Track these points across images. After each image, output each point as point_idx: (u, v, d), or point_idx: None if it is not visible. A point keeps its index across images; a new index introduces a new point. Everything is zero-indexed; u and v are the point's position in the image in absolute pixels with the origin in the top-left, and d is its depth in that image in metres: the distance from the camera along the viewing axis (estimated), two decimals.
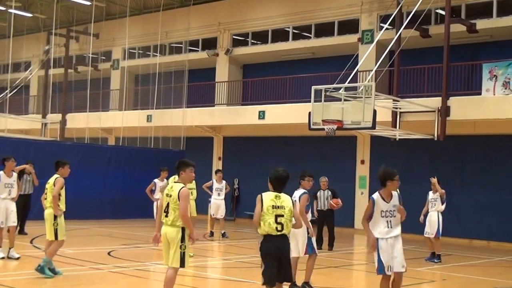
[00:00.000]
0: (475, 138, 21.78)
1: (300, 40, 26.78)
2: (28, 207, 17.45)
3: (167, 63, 29.55)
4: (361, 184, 24.24)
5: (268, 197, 7.90)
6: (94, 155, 25.03)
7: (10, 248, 12.81)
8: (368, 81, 18.88)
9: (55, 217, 11.05)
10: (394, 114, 21.03)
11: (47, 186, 11.28)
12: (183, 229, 8.37)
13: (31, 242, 15.50)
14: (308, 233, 10.49)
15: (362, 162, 24.36)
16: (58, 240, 11.09)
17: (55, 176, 11.25)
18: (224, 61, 28.78)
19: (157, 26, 29.20)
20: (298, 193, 10.74)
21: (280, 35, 27.33)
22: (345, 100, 18.02)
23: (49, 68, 32.37)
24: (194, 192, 16.46)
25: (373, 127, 17.66)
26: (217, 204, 19.31)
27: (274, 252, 7.75)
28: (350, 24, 25.03)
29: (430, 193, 15.89)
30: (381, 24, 23.16)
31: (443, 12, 21.49)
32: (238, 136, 28.03)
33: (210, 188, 19.51)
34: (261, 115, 24.99)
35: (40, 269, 10.81)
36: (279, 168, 8.10)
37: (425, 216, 15.83)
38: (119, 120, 28.72)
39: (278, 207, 7.82)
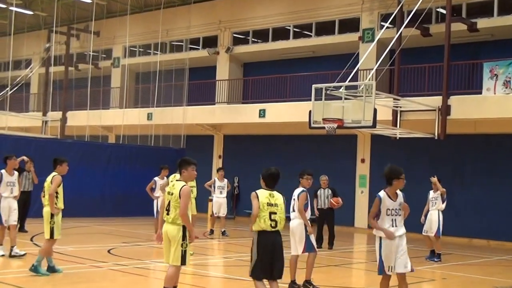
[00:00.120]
0: (475, 137, 21.78)
1: (301, 39, 26.77)
2: (28, 205, 17.46)
3: (167, 61, 29.55)
4: (361, 183, 24.24)
5: (263, 195, 8.11)
6: (94, 153, 25.04)
7: (12, 247, 12.79)
8: (369, 80, 18.87)
9: (52, 215, 10.99)
10: (394, 113, 21.03)
11: (45, 184, 11.27)
12: (184, 227, 8.39)
13: (31, 239, 15.50)
14: (306, 231, 10.49)
15: (363, 161, 24.36)
16: (53, 238, 11.02)
17: (53, 174, 11.19)
18: (225, 59, 28.77)
19: (157, 24, 29.20)
20: (297, 191, 10.76)
21: (280, 33, 27.32)
22: (345, 98, 18.02)
23: (50, 66, 32.37)
24: (195, 190, 16.44)
25: (374, 126, 17.66)
26: (219, 202, 19.30)
27: (270, 248, 8.00)
28: (350, 22, 25.02)
29: (431, 192, 15.90)
30: (382, 23, 23.16)
31: (444, 11, 21.48)
32: (238, 135, 28.03)
33: (212, 186, 19.49)
34: (262, 113, 24.99)
35: (34, 269, 10.79)
36: (271, 167, 8.33)
37: (426, 215, 15.83)
38: (120, 118, 28.72)
39: (272, 204, 8.08)
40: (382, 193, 8.42)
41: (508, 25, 21.26)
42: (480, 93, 20.11)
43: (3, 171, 13.16)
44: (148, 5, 31.86)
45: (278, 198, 8.16)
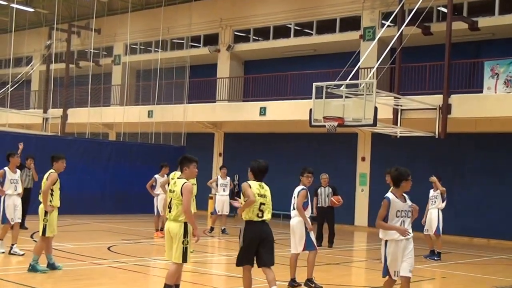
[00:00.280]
0: (476, 136, 21.78)
1: (302, 37, 26.75)
2: (28, 202, 17.45)
3: (168, 59, 29.53)
4: (362, 182, 24.25)
5: (254, 186, 8.60)
6: (95, 150, 25.05)
7: (13, 245, 12.79)
8: (370, 78, 18.88)
9: (46, 212, 10.93)
10: (395, 112, 21.02)
11: (42, 181, 11.23)
12: (185, 224, 8.42)
13: (31, 236, 15.51)
14: (306, 229, 10.48)
15: (363, 159, 24.36)
16: (45, 236, 10.96)
17: (50, 171, 11.11)
18: (226, 57, 28.76)
19: (158, 22, 29.19)
20: (297, 189, 10.75)
21: (281, 31, 27.30)
22: (346, 97, 18.00)
23: (51, 63, 32.36)
24: (195, 188, 16.41)
25: (374, 124, 17.65)
26: (223, 200, 19.27)
27: (256, 237, 8.45)
28: (352, 21, 25.01)
29: (431, 191, 15.90)
30: (383, 21, 23.16)
31: (445, 10, 21.46)
32: (239, 132, 28.04)
33: (215, 184, 19.46)
34: (262, 111, 24.99)
35: (32, 269, 10.78)
36: (260, 160, 8.86)
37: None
38: (120, 116, 28.72)
39: (262, 195, 8.56)
40: (390, 195, 8.13)
41: (509, 24, 21.23)
42: (481, 92, 20.10)
43: (6, 168, 13.14)
44: (149, 3, 31.84)
45: (267, 189, 8.69)
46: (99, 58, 33.51)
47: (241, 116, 26.04)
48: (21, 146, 17.09)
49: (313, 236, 10.68)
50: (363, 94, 17.53)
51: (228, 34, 28.73)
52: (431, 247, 15.82)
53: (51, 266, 10.99)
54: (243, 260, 8.56)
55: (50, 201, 10.98)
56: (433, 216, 15.61)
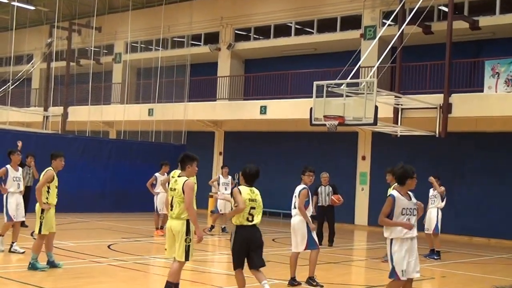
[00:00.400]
0: (476, 135, 21.77)
1: (303, 36, 26.75)
2: (28, 200, 17.44)
3: (169, 57, 29.54)
4: (362, 181, 24.25)
5: (245, 191, 8.70)
6: (95, 148, 25.05)
7: (13, 242, 12.79)
8: (370, 77, 18.88)
9: (43, 210, 10.89)
10: (395, 111, 21.02)
11: None
12: (187, 222, 8.45)
13: (31, 234, 15.51)
14: (308, 228, 10.47)
15: (363, 158, 24.36)
16: (41, 234, 10.93)
17: (47, 168, 11.07)
18: (226, 55, 28.76)
19: (159, 20, 29.18)
20: (298, 188, 10.73)
21: (282, 30, 27.30)
22: (347, 96, 18.00)
23: (51, 61, 32.34)
24: (195, 186, 16.41)
25: (375, 123, 17.65)
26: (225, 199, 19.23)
27: (246, 241, 8.64)
28: (352, 20, 25.00)
29: (431, 190, 15.90)
30: (384, 20, 23.15)
31: (446, 9, 21.45)
32: (239, 131, 28.04)
33: (217, 183, 19.44)
34: (263, 110, 24.98)
35: (32, 267, 10.77)
36: (251, 165, 9.02)
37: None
38: (121, 114, 28.72)
39: (252, 200, 8.69)
40: (395, 193, 8.00)
41: (510, 23, 21.22)
42: (482, 91, 20.10)
43: (8, 166, 13.11)
44: (150, 1, 31.82)
45: (257, 194, 8.80)
46: (99, 56, 33.51)
47: (242, 114, 26.04)
48: (19, 144, 17.08)
49: (314, 234, 10.67)
50: (363, 93, 17.53)
51: (228, 32, 28.72)
52: (431, 246, 15.82)
53: (51, 264, 10.99)
54: (238, 263, 8.76)
55: (47, 198, 10.95)
56: (432, 216, 15.63)
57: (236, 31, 28.90)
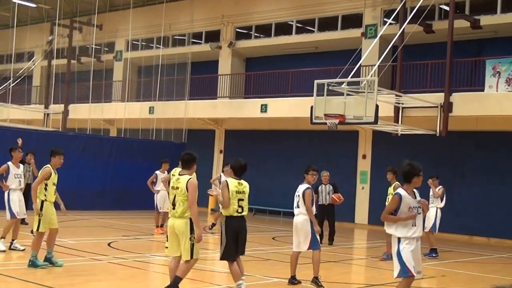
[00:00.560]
0: (477, 134, 21.76)
1: (304, 34, 26.73)
2: (28, 197, 17.44)
3: (170, 55, 29.53)
4: (362, 179, 24.24)
5: (233, 184, 9.06)
6: (96, 146, 25.06)
7: (13, 240, 12.79)
8: (371, 76, 18.87)
9: (41, 208, 10.83)
10: (396, 109, 21.01)
11: None
12: (191, 221, 8.49)
13: (31, 232, 15.51)
14: (311, 228, 10.42)
15: (364, 157, 24.35)
16: (38, 231, 10.94)
17: (45, 166, 11.05)
18: (227, 54, 28.75)
19: (160, 18, 29.17)
20: (301, 188, 10.65)
21: (283, 28, 27.28)
22: (347, 94, 18.01)
23: (52, 59, 32.30)
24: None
25: (375, 122, 17.64)
26: None
27: (236, 231, 9.04)
28: (353, 18, 24.99)
29: (431, 189, 15.91)
30: (385, 19, 23.13)
31: (447, 8, 21.44)
32: (240, 129, 28.03)
33: (218, 182, 19.41)
34: (263, 108, 24.98)
35: (32, 264, 10.77)
36: (239, 159, 9.36)
37: None
38: (121, 112, 28.72)
39: (240, 192, 9.07)
40: (402, 191, 7.85)
41: (511, 22, 21.19)
42: (483, 90, 20.09)
43: (9, 163, 13.10)
44: None
45: (246, 186, 9.17)
46: (100, 54, 33.51)
47: (242, 113, 26.03)
48: (19, 141, 17.08)
49: (317, 234, 10.64)
50: (364, 92, 17.53)
51: (229, 31, 28.71)
52: (430, 245, 15.84)
53: (48, 261, 10.94)
54: (231, 255, 9.07)
55: (45, 195, 10.90)
56: (431, 214, 15.64)
57: (237, 29, 28.89)
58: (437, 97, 20.37)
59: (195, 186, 8.49)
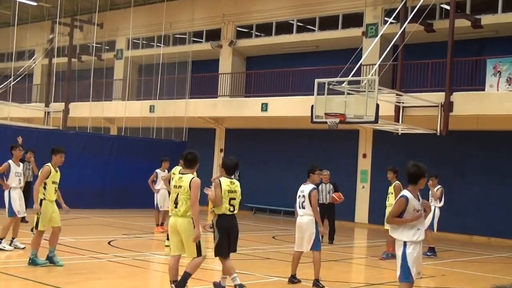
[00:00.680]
0: (477, 133, 21.76)
1: (304, 33, 26.72)
2: (28, 195, 17.44)
3: (170, 54, 29.52)
4: (363, 178, 24.24)
5: (225, 183, 9.18)
6: (96, 144, 25.06)
7: (13, 238, 12.79)
8: (372, 75, 18.87)
9: (40, 205, 10.79)
10: (397, 109, 21.01)
11: None
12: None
13: (31, 230, 15.52)
14: (316, 228, 10.41)
15: (364, 156, 24.35)
16: (37, 229, 10.92)
17: (46, 164, 11.02)
18: (228, 52, 28.74)
19: (161, 17, 29.16)
20: (307, 188, 10.58)
21: (284, 27, 27.28)
22: (348, 93, 18.00)
23: (53, 57, 32.32)
24: None
25: (376, 121, 17.64)
26: None
27: (228, 229, 9.14)
28: (354, 17, 24.98)
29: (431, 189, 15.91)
30: (386, 18, 23.12)
31: (448, 7, 21.43)
32: (240, 128, 28.02)
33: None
34: (264, 107, 24.97)
35: (32, 262, 10.78)
36: (231, 157, 9.60)
37: None
38: (122, 110, 28.72)
39: (232, 191, 9.19)
40: (407, 193, 7.57)
41: None
42: (483, 89, 20.08)
43: (10, 161, 13.11)
44: None
45: (237, 185, 9.33)
46: (101, 53, 33.50)
47: (243, 112, 26.03)
48: (20, 139, 17.08)
49: (320, 236, 10.63)
50: (365, 91, 17.52)
51: (230, 29, 28.70)
52: (428, 244, 15.82)
53: (49, 259, 10.94)
54: (225, 252, 9.14)
55: (44, 194, 10.86)
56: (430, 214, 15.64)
57: (237, 28, 28.88)
58: (438, 97, 20.36)
59: (198, 185, 8.52)
